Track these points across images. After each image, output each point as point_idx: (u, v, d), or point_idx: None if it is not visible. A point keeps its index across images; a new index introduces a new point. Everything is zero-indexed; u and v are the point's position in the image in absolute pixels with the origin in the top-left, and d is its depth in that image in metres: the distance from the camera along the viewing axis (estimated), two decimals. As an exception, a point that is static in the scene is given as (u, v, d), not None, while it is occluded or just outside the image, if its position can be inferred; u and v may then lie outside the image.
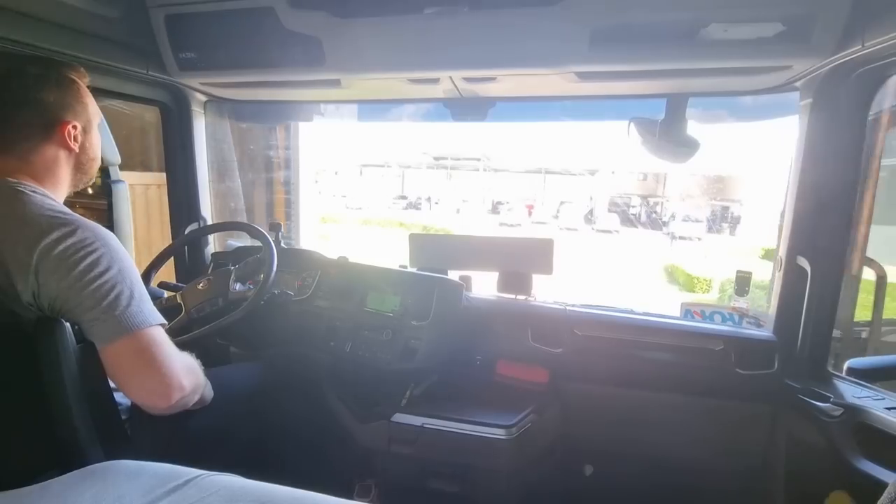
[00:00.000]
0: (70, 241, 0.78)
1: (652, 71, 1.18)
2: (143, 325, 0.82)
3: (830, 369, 1.30)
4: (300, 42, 1.22)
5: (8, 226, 0.77)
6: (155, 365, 0.82)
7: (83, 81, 0.97)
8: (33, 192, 0.83)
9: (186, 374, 0.89)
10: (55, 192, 0.91)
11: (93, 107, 0.99)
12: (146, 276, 1.46)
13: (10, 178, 0.83)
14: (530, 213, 28.36)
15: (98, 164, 1.01)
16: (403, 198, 34.57)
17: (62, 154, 0.93)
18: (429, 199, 30.90)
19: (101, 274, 0.79)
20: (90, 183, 1.04)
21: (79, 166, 0.97)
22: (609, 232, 22.03)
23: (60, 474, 0.69)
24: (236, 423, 1.25)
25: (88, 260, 0.78)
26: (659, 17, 1.05)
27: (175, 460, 0.74)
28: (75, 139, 0.93)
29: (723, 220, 23.83)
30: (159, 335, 0.85)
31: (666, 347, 1.40)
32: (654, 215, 29.42)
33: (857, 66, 1.10)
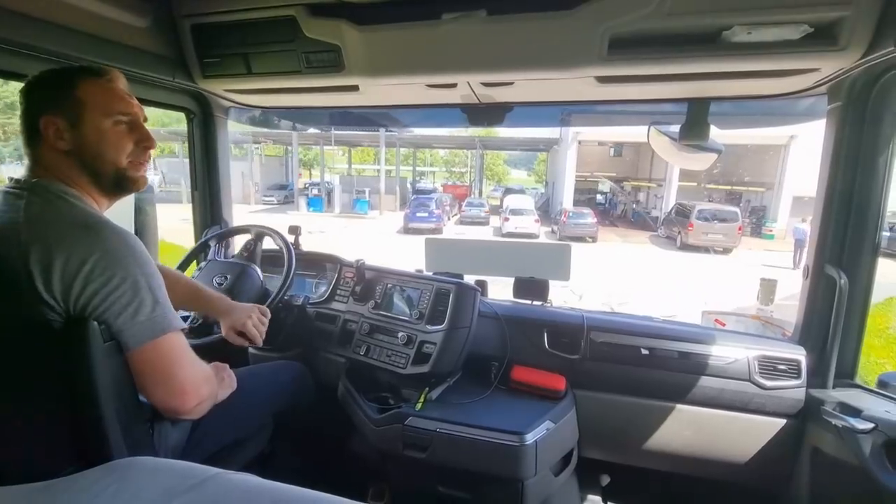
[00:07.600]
0: (98, 249, 0.79)
1: (673, 74, 1.16)
2: (166, 329, 0.86)
3: (860, 382, 1.26)
4: (320, 49, 1.25)
5: (40, 228, 0.79)
6: (175, 369, 0.87)
7: (85, 78, 0.87)
8: (64, 195, 0.85)
9: (204, 381, 0.93)
10: (83, 197, 0.89)
11: (93, 97, 0.87)
12: None
13: (46, 181, 0.85)
14: (461, 206, 20.64)
15: (107, 162, 0.89)
16: (281, 188, 24.15)
17: (55, 155, 0.86)
18: (318, 187, 20.07)
19: (124, 282, 0.81)
20: (121, 189, 0.93)
21: (84, 167, 0.88)
22: (584, 240, 15.42)
23: (85, 468, 0.71)
24: (254, 424, 1.27)
25: (114, 270, 0.80)
26: (679, 20, 1.02)
27: (194, 458, 0.76)
28: (60, 137, 0.85)
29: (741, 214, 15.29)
30: (180, 339, 0.89)
31: (686, 356, 1.37)
32: (636, 205, 20.73)
33: (889, 69, 1.06)
